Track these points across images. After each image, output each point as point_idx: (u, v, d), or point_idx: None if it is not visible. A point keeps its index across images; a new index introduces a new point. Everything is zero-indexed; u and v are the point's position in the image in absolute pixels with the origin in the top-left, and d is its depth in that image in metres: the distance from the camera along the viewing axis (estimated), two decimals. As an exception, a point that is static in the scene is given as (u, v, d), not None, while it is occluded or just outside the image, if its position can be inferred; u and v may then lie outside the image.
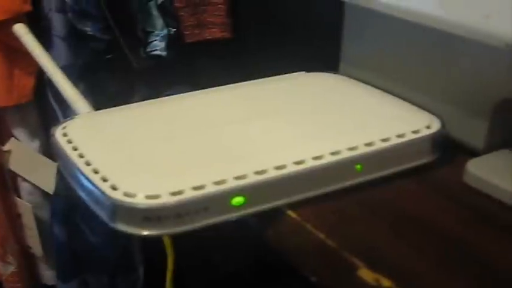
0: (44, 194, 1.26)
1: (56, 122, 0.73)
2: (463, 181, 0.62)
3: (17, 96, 1.13)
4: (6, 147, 1.21)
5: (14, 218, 1.30)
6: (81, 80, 1.07)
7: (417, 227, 0.56)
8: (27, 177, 1.24)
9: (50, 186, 1.21)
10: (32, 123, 1.20)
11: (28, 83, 1.12)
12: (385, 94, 0.72)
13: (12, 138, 1.21)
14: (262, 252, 0.63)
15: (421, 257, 0.52)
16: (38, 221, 1.29)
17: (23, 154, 1.21)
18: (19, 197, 1.28)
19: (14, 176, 1.25)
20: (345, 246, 0.53)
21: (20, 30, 0.74)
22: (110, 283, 1.24)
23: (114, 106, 0.71)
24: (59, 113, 1.10)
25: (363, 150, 0.60)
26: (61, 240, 1.21)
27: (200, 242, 0.56)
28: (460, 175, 0.63)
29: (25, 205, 1.27)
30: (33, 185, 1.25)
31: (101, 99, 1.06)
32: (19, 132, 1.20)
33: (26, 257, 1.35)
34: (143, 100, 0.73)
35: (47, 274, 1.37)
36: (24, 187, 1.26)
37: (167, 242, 0.63)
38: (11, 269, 1.33)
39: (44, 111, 1.18)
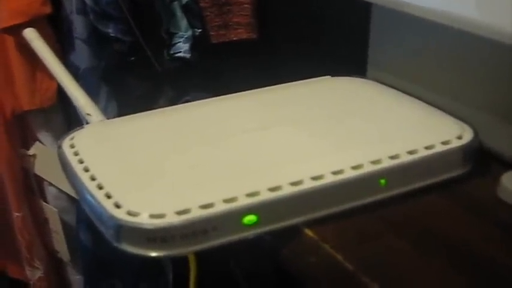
0: (70, 198, 1.24)
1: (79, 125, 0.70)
2: (497, 196, 0.58)
3: (40, 99, 1.11)
4: (31, 152, 1.20)
5: (41, 223, 1.28)
6: (104, 82, 1.04)
7: (445, 247, 0.52)
8: (52, 182, 1.22)
9: (75, 190, 1.19)
10: (56, 126, 1.18)
11: (51, 86, 1.10)
12: (414, 100, 0.68)
13: (37, 143, 1.19)
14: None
15: (449, 282, 0.48)
16: (65, 225, 1.27)
17: (48, 158, 1.19)
18: (45, 201, 1.26)
19: (40, 180, 1.24)
20: (364, 270, 0.50)
21: (30, 34, 0.71)
22: (139, 288, 1.22)
23: (139, 110, 0.69)
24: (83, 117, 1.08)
25: (387, 163, 0.56)
26: (87, 245, 1.19)
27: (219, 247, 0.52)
28: (494, 189, 0.58)
29: (51, 210, 1.25)
30: (59, 189, 1.23)
31: (125, 102, 1.05)
32: (44, 136, 1.18)
33: (53, 261, 1.34)
34: (169, 103, 0.70)
35: (75, 279, 1.35)
36: (50, 191, 1.25)
37: (191, 257, 0.59)
38: (39, 273, 1.31)
39: (69, 114, 1.16)
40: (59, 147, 0.62)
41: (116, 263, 1.19)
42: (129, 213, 0.50)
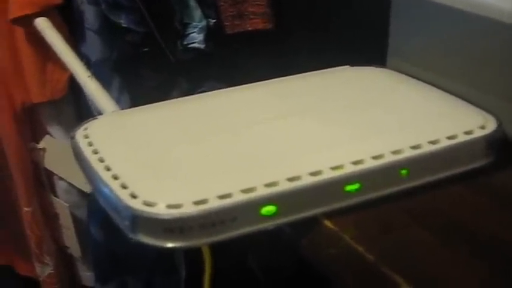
0: (81, 192, 1.25)
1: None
2: (522, 187, 0.58)
3: (50, 91, 1.11)
4: (41, 145, 1.20)
5: (51, 218, 1.28)
6: (116, 74, 1.04)
7: (468, 238, 0.52)
8: (62, 176, 1.23)
9: (87, 185, 1.19)
10: (67, 119, 1.18)
11: (62, 77, 1.10)
12: (436, 90, 0.68)
13: (47, 136, 1.19)
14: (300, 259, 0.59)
15: (472, 274, 0.48)
16: (76, 220, 1.28)
17: (58, 152, 1.19)
18: (56, 196, 1.26)
19: (50, 174, 1.24)
20: (385, 260, 0.50)
21: (42, 24, 0.72)
22: (150, 285, 1.22)
23: (152, 101, 0.69)
24: (94, 109, 1.08)
25: (408, 153, 0.56)
26: (98, 240, 1.19)
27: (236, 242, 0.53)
28: (518, 180, 0.58)
29: (62, 204, 1.26)
30: (70, 183, 1.24)
31: (138, 94, 1.05)
32: (54, 129, 1.19)
33: (63, 257, 1.34)
34: (182, 95, 0.70)
35: (86, 275, 1.36)
36: (60, 186, 1.25)
37: (205, 250, 0.60)
38: (48, 270, 1.32)
39: (80, 106, 1.16)
40: (73, 137, 0.62)
41: (128, 259, 1.19)
42: (146, 204, 0.50)
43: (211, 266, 0.62)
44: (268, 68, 0.76)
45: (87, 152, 0.59)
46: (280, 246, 0.62)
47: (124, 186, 0.53)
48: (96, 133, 0.62)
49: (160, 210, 0.50)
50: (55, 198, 1.26)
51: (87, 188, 1.21)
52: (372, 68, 0.75)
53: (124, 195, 0.52)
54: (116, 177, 0.54)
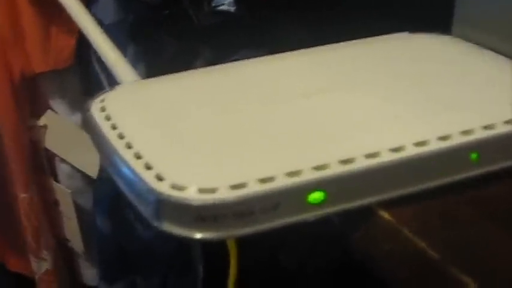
0: (86, 177, 1.25)
1: (100, 91, 0.71)
2: None
3: (54, 60, 1.12)
4: (41, 122, 1.21)
5: (51, 206, 1.29)
6: (132, 40, 1.05)
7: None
8: (65, 158, 1.23)
9: (93, 168, 1.20)
10: (72, 92, 1.19)
11: (68, 44, 1.11)
12: (509, 61, 0.67)
13: (49, 111, 1.20)
14: (346, 254, 0.60)
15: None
16: (79, 209, 1.28)
17: (61, 130, 1.20)
18: (57, 180, 1.27)
19: (51, 156, 1.25)
20: (452, 259, 0.50)
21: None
22: (163, 285, 1.23)
23: (172, 71, 0.68)
24: (104, 81, 1.09)
25: (480, 134, 0.56)
26: (105, 233, 1.20)
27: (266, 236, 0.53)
28: None
29: (63, 190, 1.26)
30: (74, 167, 1.24)
31: (157, 63, 1.05)
32: (57, 104, 1.19)
33: (63, 252, 1.35)
34: (207, 64, 0.70)
35: (88, 273, 1.37)
36: (62, 169, 1.26)
37: (231, 243, 0.60)
38: (46, 266, 1.33)
39: (88, 76, 1.17)
40: (87, 110, 0.62)
41: (139, 255, 1.20)
42: (174, 187, 0.50)
43: (237, 261, 0.62)
44: (308, 36, 0.75)
45: (104, 127, 0.59)
46: (324, 238, 0.62)
47: (148, 167, 0.53)
48: (114, 105, 0.62)
49: (191, 194, 0.50)
50: (56, 183, 1.27)
51: (93, 172, 1.21)
52: (434, 35, 0.75)
53: (148, 177, 0.52)
54: (138, 156, 0.54)
